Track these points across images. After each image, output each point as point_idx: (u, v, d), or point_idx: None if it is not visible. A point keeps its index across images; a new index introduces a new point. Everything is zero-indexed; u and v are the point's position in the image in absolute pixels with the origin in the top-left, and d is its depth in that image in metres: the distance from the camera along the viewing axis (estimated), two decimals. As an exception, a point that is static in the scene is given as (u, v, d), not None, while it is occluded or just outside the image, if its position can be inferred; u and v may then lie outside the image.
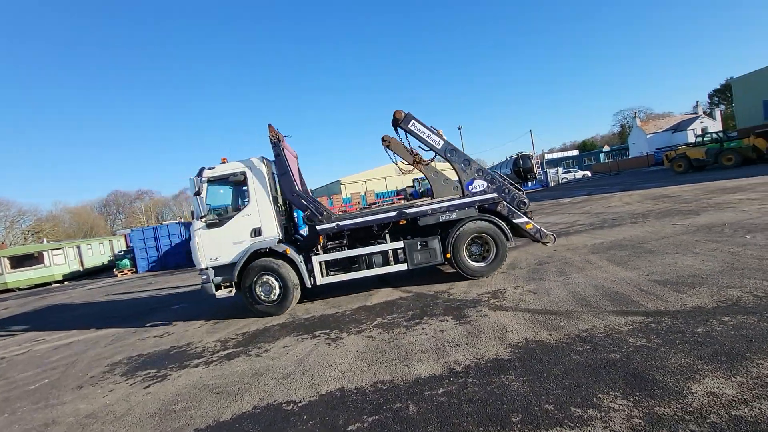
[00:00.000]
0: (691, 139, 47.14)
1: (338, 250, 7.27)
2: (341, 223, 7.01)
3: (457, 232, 7.06)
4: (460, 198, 7.37)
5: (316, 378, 4.08)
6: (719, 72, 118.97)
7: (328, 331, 5.59)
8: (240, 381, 4.37)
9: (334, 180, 53.74)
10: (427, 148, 7.80)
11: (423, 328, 5.00)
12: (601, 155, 63.63)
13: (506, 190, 7.56)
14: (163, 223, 29.87)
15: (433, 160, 8.53)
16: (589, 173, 45.75)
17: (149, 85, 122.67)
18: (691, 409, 2.59)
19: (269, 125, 7.06)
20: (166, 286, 14.03)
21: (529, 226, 7.42)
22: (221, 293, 6.93)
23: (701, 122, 54.69)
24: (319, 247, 7.18)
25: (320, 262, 7.05)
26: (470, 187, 7.48)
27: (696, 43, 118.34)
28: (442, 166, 9.89)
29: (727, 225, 8.08)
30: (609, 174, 42.13)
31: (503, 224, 7.20)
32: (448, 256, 7.10)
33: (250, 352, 5.28)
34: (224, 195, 7.51)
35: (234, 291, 6.95)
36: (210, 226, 6.89)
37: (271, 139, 7.07)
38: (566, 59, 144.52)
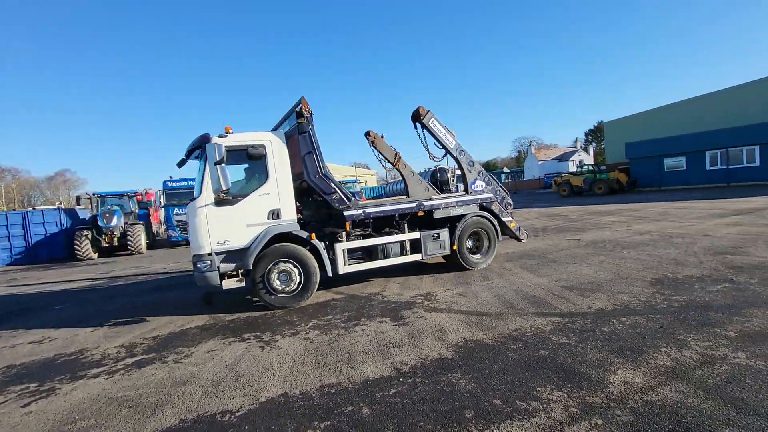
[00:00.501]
0: (572, 168, 55.10)
1: (359, 239, 6.98)
2: (368, 210, 6.79)
3: (463, 225, 7.68)
4: (466, 195, 8.02)
5: (254, 384, 3.73)
6: (598, 112, 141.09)
7: (258, 333, 5.18)
8: (158, 392, 3.79)
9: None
10: (440, 146, 8.13)
11: (362, 330, 4.93)
12: (502, 175, 70.58)
13: (498, 192, 8.41)
14: (36, 208, 24.88)
15: (443, 157, 8.85)
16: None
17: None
18: (613, 396, 2.96)
19: (303, 99, 6.30)
20: (39, 282, 11.69)
21: (512, 225, 8.53)
22: (229, 283, 5.93)
23: (579, 155, 64.19)
24: (343, 234, 6.76)
25: (343, 250, 6.61)
26: (473, 186, 8.16)
27: (582, 86, 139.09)
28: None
29: (607, 241, 9.53)
30: (512, 192, 46.88)
31: (495, 221, 8.10)
32: (454, 248, 7.55)
33: (167, 359, 4.63)
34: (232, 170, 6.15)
35: (244, 281, 6.03)
36: (219, 204, 5.82)
37: (304, 113, 6.21)
38: (483, 90, 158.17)
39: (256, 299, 6.74)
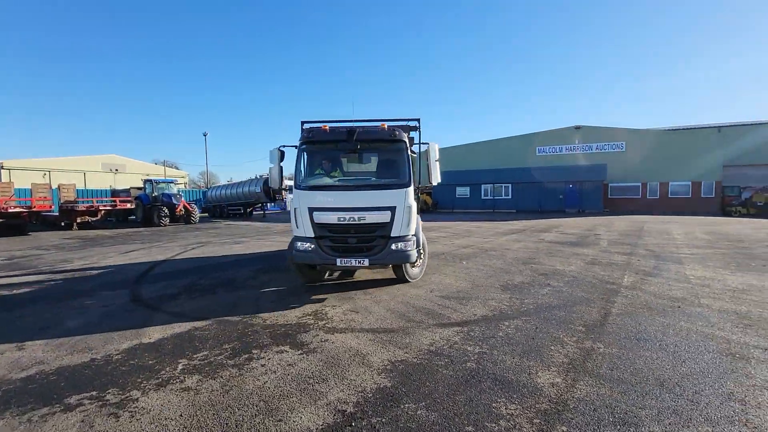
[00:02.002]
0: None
1: None
2: None
3: None
4: None
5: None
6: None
7: (95, 393, 3.41)
8: None
9: (-8, 161, 36.35)
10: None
11: (262, 365, 3.89)
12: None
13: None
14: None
15: None
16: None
17: None
18: (555, 400, 3.16)
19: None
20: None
21: None
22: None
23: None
24: None
25: None
26: None
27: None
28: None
29: (446, 254, 10.83)
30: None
31: None
32: None
33: None
34: None
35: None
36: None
37: None
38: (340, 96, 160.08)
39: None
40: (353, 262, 6.37)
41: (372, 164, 7.59)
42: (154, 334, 4.86)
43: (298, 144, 6.86)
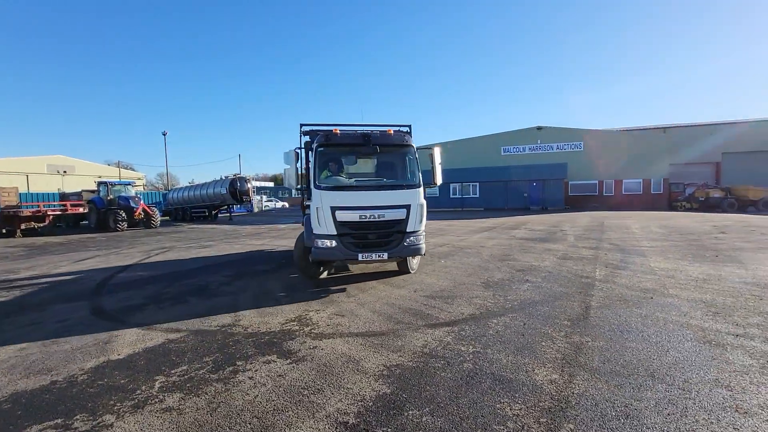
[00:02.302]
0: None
1: None
2: None
3: None
4: None
5: None
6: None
7: (60, 420, 3.02)
8: None
9: None
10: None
11: (250, 378, 3.63)
12: (293, 190, 71.63)
13: None
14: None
15: None
16: (287, 204, 50.00)
17: None
18: (557, 397, 3.15)
19: None
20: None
21: None
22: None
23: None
24: None
25: None
26: None
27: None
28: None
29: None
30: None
31: None
32: None
33: None
34: None
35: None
36: None
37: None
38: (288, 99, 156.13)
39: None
40: (373, 256, 6.73)
41: (383, 166, 7.84)
42: (122, 349, 4.44)
43: (313, 146, 7.01)
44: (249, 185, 28.52)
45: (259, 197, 42.00)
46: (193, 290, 7.30)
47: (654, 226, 16.64)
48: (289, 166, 7.25)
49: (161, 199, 34.98)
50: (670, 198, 31.94)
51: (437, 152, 7.78)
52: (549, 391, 3.23)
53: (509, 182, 33.66)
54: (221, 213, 31.37)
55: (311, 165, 6.96)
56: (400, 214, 6.84)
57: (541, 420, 2.83)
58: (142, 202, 23.00)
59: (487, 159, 36.35)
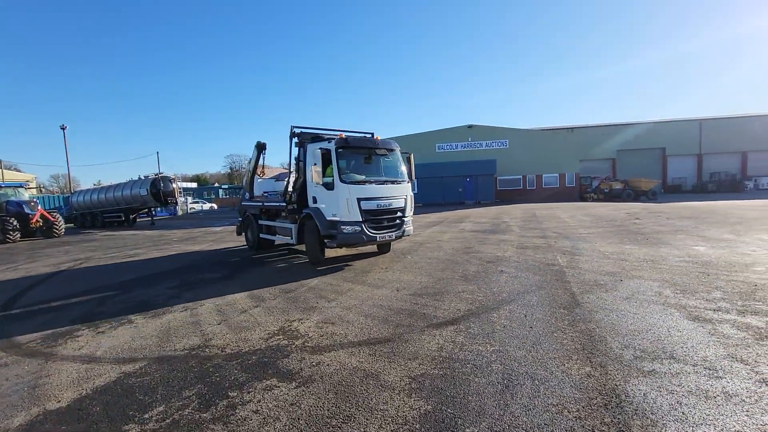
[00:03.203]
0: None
1: None
2: None
3: None
4: None
5: None
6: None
7: None
8: None
9: None
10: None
11: (255, 411, 2.92)
12: (220, 191, 66.47)
13: None
14: None
15: None
16: (215, 205, 46.15)
17: None
18: (605, 392, 3.00)
19: None
20: None
21: None
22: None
23: (294, 176, 69.63)
24: None
25: None
26: None
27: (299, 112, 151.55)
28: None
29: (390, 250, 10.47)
30: (233, 208, 44.34)
31: None
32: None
33: None
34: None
35: None
36: None
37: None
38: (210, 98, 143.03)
39: None
40: (386, 237, 8.55)
41: (382, 166, 9.02)
42: (62, 393, 3.38)
43: (327, 148, 8.29)
44: (174, 185, 25.61)
45: (184, 199, 38.07)
46: (133, 307, 6.07)
47: (579, 215, 18.29)
48: (317, 164, 8.22)
49: (62, 204, 29.93)
50: (581, 190, 35.72)
51: (412, 158, 9.62)
52: (593, 387, 3.07)
53: (444, 178, 34.82)
54: (141, 217, 27.78)
55: (333, 164, 8.13)
56: (401, 203, 8.78)
57: (606, 420, 2.64)
58: (39, 207, 19.28)
59: (424, 155, 37.14)
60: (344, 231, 7.98)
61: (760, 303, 4.79)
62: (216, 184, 76.12)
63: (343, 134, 8.61)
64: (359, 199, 8.04)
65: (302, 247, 11.26)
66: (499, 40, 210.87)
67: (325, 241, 8.43)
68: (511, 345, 3.92)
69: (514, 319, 4.69)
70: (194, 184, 73.25)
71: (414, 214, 9.34)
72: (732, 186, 39.34)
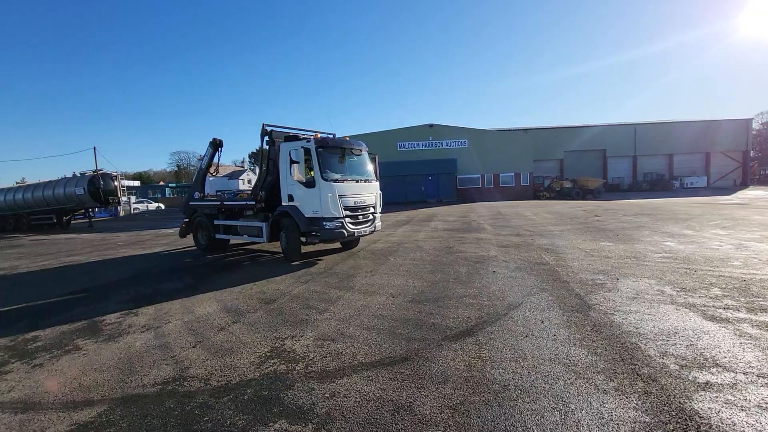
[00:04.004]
0: (242, 186, 56.25)
1: None
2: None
3: None
4: None
5: None
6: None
7: None
8: None
9: None
10: None
11: (271, 474, 2.23)
12: (167, 190, 61.76)
13: None
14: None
15: None
16: (162, 205, 42.57)
17: None
18: (673, 412, 2.66)
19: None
20: None
21: None
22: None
23: (247, 175, 66.41)
24: None
25: None
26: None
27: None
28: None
29: (368, 251, 9.88)
30: (182, 208, 41.15)
31: None
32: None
33: None
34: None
35: None
36: None
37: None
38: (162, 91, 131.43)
39: None
40: (362, 231, 8.85)
41: (355, 165, 9.18)
42: None
43: (307, 147, 8.26)
44: (116, 183, 23.09)
45: (127, 198, 34.64)
46: (80, 329, 5.00)
47: (542, 213, 18.83)
48: (299, 162, 8.24)
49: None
50: (534, 189, 37.31)
51: (377, 157, 10.06)
52: (659, 407, 2.72)
53: (407, 177, 34.72)
54: (76, 218, 24.76)
55: (314, 162, 8.12)
56: (373, 200, 9.26)
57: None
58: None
59: (386, 154, 36.79)
60: (326, 227, 8.12)
61: (762, 299, 4.83)
62: (161, 183, 70.69)
63: (318, 134, 8.75)
64: (341, 196, 8.25)
65: (271, 246, 10.48)
66: (459, 41, 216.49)
67: (304, 237, 8.65)
68: (544, 359, 3.53)
69: (532, 326, 4.33)
70: (137, 183, 67.55)
71: (382, 212, 9.75)
72: (662, 185, 43.13)
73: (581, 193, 34.62)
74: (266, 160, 9.16)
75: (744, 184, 45.70)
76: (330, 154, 8.54)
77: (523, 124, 53.34)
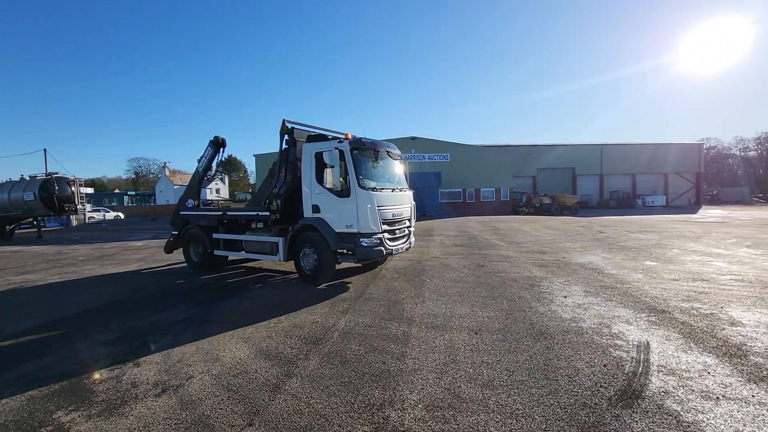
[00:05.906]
0: (210, 196, 53.02)
1: None
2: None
3: None
4: None
5: None
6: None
7: None
8: None
9: None
10: None
11: None
12: (125, 198, 57.05)
13: None
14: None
15: None
16: (121, 215, 38.80)
17: None
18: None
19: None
20: None
21: None
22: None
23: (216, 184, 62.90)
24: None
25: None
26: None
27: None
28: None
29: (390, 269, 8.65)
30: (145, 218, 37.69)
31: None
32: None
33: None
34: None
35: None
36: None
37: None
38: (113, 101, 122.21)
39: None
40: (400, 248, 7.57)
41: (386, 171, 7.86)
42: None
43: (347, 148, 6.91)
44: (73, 189, 20.28)
45: (83, 206, 31.04)
46: (60, 396, 3.41)
47: (541, 228, 18.42)
48: (334, 166, 6.89)
49: None
50: (513, 204, 37.61)
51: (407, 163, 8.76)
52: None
53: (390, 189, 33.78)
54: (22, 227, 21.52)
55: (348, 167, 6.83)
56: (409, 212, 8.06)
57: None
58: None
59: (368, 166, 35.83)
60: (364, 244, 6.76)
61: None
62: (117, 190, 65.36)
63: (349, 134, 7.28)
64: (380, 208, 6.97)
65: (272, 263, 9.03)
66: (445, 59, 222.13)
67: (337, 257, 7.11)
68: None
69: (701, 380, 3.32)
70: (90, 190, 62.02)
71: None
72: (627, 203, 45.16)
73: (559, 209, 35.21)
74: (284, 163, 7.69)
75: (698, 204, 48.88)
76: (365, 158, 7.23)
77: (497, 141, 54.57)
